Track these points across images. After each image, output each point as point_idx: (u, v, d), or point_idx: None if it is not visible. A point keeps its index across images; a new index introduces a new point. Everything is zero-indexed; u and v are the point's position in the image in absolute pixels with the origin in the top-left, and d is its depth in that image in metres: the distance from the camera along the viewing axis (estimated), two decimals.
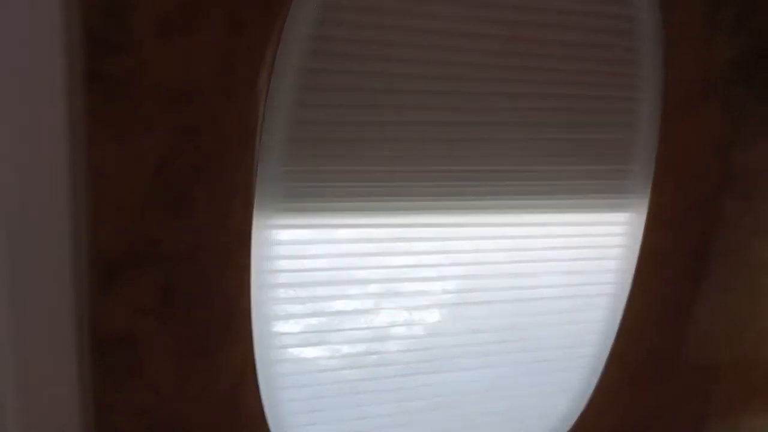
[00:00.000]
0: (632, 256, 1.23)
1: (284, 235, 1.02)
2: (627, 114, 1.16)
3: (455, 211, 1.11)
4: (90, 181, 0.83)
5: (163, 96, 0.83)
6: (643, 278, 1.23)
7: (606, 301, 1.25)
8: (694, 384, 1.33)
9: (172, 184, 0.87)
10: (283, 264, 1.04)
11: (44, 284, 0.86)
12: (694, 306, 1.26)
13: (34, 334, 0.88)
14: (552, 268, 1.20)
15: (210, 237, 0.93)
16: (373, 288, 1.11)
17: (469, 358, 1.21)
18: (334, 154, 1.01)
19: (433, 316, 1.17)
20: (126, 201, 0.86)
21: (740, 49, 1.11)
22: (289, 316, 1.08)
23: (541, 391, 1.30)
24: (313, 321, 1.09)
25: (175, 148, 0.86)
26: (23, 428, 0.90)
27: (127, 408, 0.95)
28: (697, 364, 1.32)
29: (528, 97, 1.09)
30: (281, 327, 1.08)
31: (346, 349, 1.13)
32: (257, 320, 1.05)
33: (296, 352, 1.10)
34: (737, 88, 1.15)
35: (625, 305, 1.26)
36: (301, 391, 1.12)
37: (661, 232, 1.21)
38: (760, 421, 1.48)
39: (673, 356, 1.28)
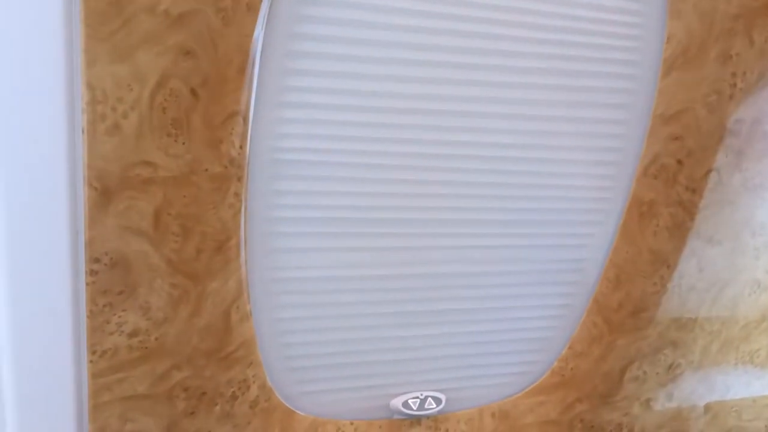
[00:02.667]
0: (620, 206, 1.25)
1: (284, 159, 1.03)
2: (626, 64, 1.17)
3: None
4: (86, 99, 0.84)
5: (161, 16, 0.83)
6: (629, 228, 1.25)
7: (589, 250, 1.28)
8: (672, 335, 1.37)
9: (169, 106, 0.87)
10: (283, 198, 1.06)
11: (38, 202, 0.87)
12: (678, 259, 1.28)
13: (26, 252, 0.90)
14: (535, 216, 1.22)
15: (205, 163, 0.94)
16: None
17: (449, 315, 1.24)
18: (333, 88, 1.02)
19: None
20: (122, 122, 0.86)
21: (743, 2, 1.10)
22: (286, 250, 1.09)
23: (524, 337, 1.33)
24: (312, 255, 1.11)
25: (172, 71, 0.86)
26: (15, 341, 0.93)
27: (119, 328, 0.97)
28: (677, 315, 1.35)
29: (524, 42, 1.09)
30: (277, 256, 1.10)
31: (343, 272, 1.15)
32: (253, 249, 1.07)
33: (293, 277, 1.12)
34: (737, 42, 1.15)
35: (609, 254, 1.28)
36: (296, 317, 1.15)
37: (650, 184, 1.23)
38: (734, 377, 1.53)
39: (653, 306, 1.31)
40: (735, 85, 1.17)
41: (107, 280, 0.94)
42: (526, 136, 1.17)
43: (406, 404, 1.26)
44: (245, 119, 0.96)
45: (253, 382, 1.12)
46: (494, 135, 1.15)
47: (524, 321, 1.31)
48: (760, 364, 1.54)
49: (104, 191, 0.89)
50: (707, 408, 1.53)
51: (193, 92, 0.88)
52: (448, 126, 1.12)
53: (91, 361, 0.98)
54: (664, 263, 1.28)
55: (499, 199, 1.19)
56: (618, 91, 1.18)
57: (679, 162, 1.21)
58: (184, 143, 0.91)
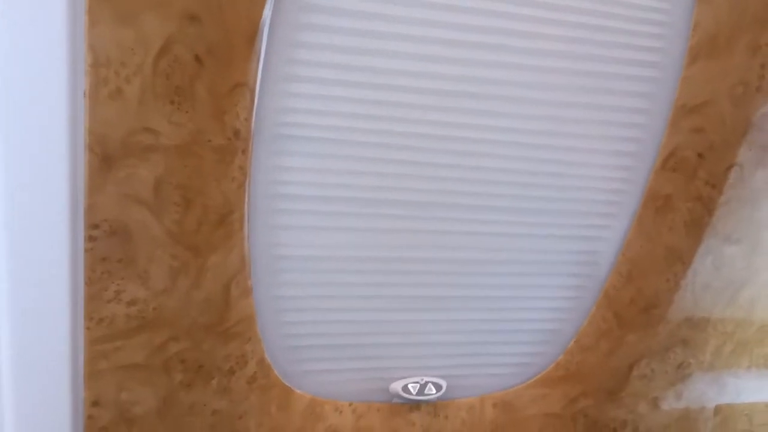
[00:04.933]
0: (636, 199, 1.21)
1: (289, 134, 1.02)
2: (650, 51, 1.12)
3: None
4: (89, 61, 0.82)
5: None
6: (645, 222, 1.22)
7: (602, 242, 1.24)
8: (684, 334, 1.33)
9: (173, 73, 0.86)
10: (288, 175, 1.04)
11: (40, 168, 0.86)
12: (694, 256, 1.24)
13: (26, 217, 0.89)
14: (546, 205, 1.19)
15: (208, 134, 0.92)
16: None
17: (453, 300, 1.22)
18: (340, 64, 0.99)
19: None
20: (125, 87, 0.85)
21: None
22: (288, 227, 1.08)
23: (530, 328, 1.30)
24: (316, 234, 1.10)
25: (177, 36, 0.84)
26: (12, 307, 0.92)
27: (117, 296, 0.97)
28: (690, 314, 1.31)
29: (545, 23, 1.05)
30: (280, 233, 1.08)
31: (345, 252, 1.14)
32: (255, 224, 1.05)
33: (296, 255, 1.11)
34: (767, 34, 1.10)
35: (623, 248, 1.25)
36: (298, 296, 1.14)
37: (669, 177, 1.19)
38: (746, 380, 1.49)
39: (665, 303, 1.27)
40: (764, 77, 1.12)
41: (106, 247, 0.93)
42: (543, 122, 1.14)
43: (405, 388, 1.24)
44: (251, 91, 0.94)
45: (252, 358, 1.11)
46: (509, 119, 1.12)
47: (531, 311, 1.29)
48: None
49: (105, 157, 0.87)
50: (717, 410, 1.50)
51: (198, 59, 0.86)
52: (460, 108, 1.09)
53: (88, 328, 0.97)
54: (678, 260, 1.25)
55: (511, 185, 1.16)
56: (640, 79, 1.14)
57: (700, 155, 1.17)
58: (187, 112, 0.90)
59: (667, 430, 1.46)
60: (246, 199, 1.01)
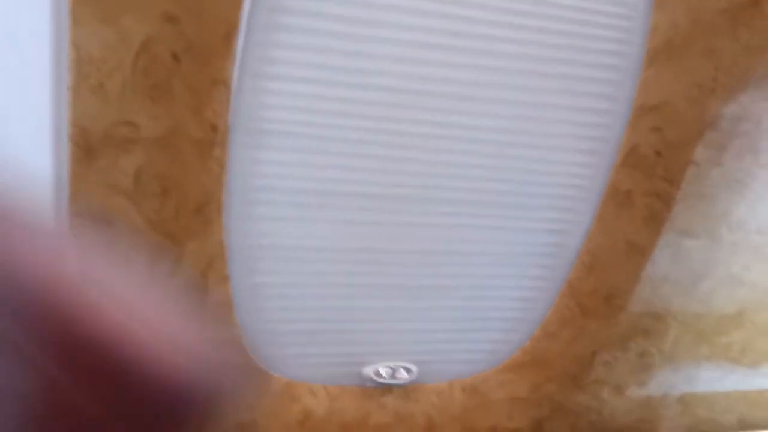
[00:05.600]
0: (597, 194, 1.27)
1: (266, 129, 1.07)
2: (610, 54, 1.18)
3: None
4: (72, 58, 0.87)
5: None
6: (606, 216, 1.28)
7: (566, 235, 1.30)
8: (644, 323, 1.39)
9: (151, 70, 0.91)
10: (265, 168, 1.10)
11: (25, 158, 0.91)
12: (653, 249, 1.30)
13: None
14: (513, 200, 1.25)
15: (186, 128, 0.98)
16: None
17: (422, 287, 1.28)
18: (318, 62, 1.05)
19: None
20: (106, 82, 0.90)
21: None
22: (263, 217, 1.13)
23: (497, 316, 1.37)
24: (292, 225, 1.15)
25: (156, 35, 0.89)
26: None
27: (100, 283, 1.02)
28: (650, 305, 1.38)
29: (509, 27, 1.11)
30: (257, 224, 1.14)
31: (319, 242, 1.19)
32: (233, 215, 1.11)
33: (273, 244, 1.16)
34: (722, 38, 1.15)
35: (585, 240, 1.31)
36: (274, 283, 1.19)
37: (629, 173, 1.25)
38: (707, 369, 1.55)
39: (626, 294, 1.34)
40: (717, 79, 1.18)
41: (90, 234, 0.98)
42: (510, 121, 1.19)
43: (377, 372, 1.30)
44: (228, 88, 1.00)
45: (229, 342, 1.16)
46: (476, 117, 1.18)
47: (498, 300, 1.35)
48: (734, 359, 1.56)
49: (87, 148, 0.93)
50: (679, 398, 1.56)
51: (176, 57, 0.92)
52: (431, 106, 1.14)
53: None
54: (638, 252, 1.31)
55: (478, 180, 1.22)
56: (600, 81, 1.20)
57: (658, 153, 1.23)
58: (165, 107, 0.95)
59: (631, 416, 1.53)
60: (223, 191, 1.07)
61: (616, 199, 1.26)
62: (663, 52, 1.16)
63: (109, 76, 0.90)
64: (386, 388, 1.33)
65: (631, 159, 1.24)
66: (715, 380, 1.58)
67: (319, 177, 1.13)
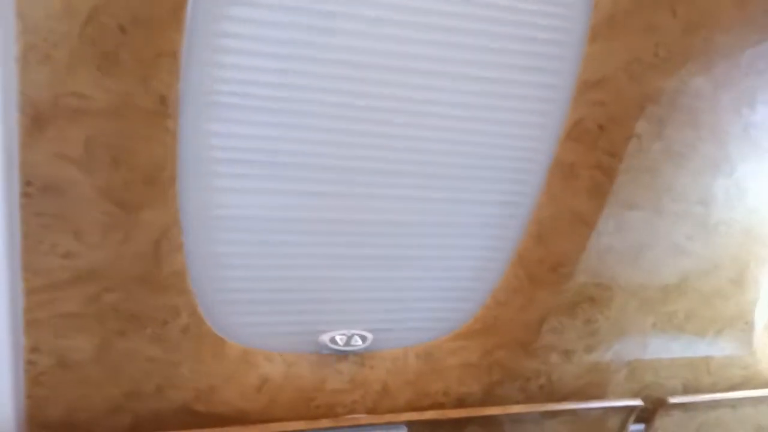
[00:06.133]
0: (544, 166, 1.31)
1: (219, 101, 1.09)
2: (554, 29, 1.22)
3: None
4: (19, 29, 0.89)
5: None
6: (552, 188, 1.32)
7: (514, 206, 1.35)
8: (590, 291, 1.45)
9: (98, 40, 0.93)
10: (218, 140, 1.12)
11: None
12: (597, 220, 1.35)
13: None
14: (465, 172, 1.29)
15: (135, 98, 0.99)
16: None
17: (377, 255, 1.32)
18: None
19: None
20: (53, 53, 0.91)
21: None
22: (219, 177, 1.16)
23: (450, 286, 1.41)
24: (246, 196, 1.18)
25: (103, 6, 0.90)
26: None
27: (52, 249, 1.04)
28: (596, 274, 1.43)
29: (454, 2, 1.13)
30: (212, 195, 1.16)
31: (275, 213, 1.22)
32: (186, 185, 1.13)
33: (227, 215, 1.19)
34: (662, 15, 1.19)
35: (533, 212, 1.36)
36: (230, 252, 1.22)
37: (573, 147, 1.29)
38: (652, 336, 1.62)
39: (572, 263, 1.39)
40: (657, 54, 1.22)
41: (40, 203, 1.00)
42: (456, 94, 1.22)
43: (333, 340, 1.34)
44: (177, 59, 1.01)
45: (184, 309, 1.19)
46: (429, 92, 1.21)
47: (450, 270, 1.39)
48: (679, 326, 1.63)
49: (36, 118, 0.94)
50: (626, 364, 1.63)
51: (122, 29, 0.93)
52: (381, 80, 1.17)
53: (26, 279, 1.05)
54: (583, 223, 1.36)
55: (432, 153, 1.25)
56: (545, 56, 1.23)
57: (601, 127, 1.27)
58: (113, 77, 0.97)
59: (579, 381, 1.59)
60: (177, 161, 1.09)
61: (562, 171, 1.31)
62: (605, 28, 1.20)
63: (55, 47, 0.91)
64: (342, 355, 1.37)
65: (575, 132, 1.28)
66: (660, 347, 1.65)
67: (273, 149, 1.15)
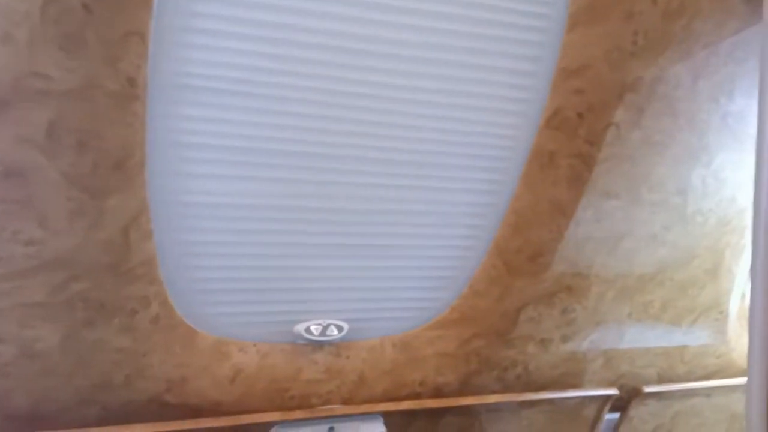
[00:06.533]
0: (523, 155, 1.30)
1: (189, 84, 1.06)
2: (534, 16, 1.20)
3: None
4: None
5: None
6: (531, 177, 1.31)
7: (492, 195, 1.34)
8: (567, 281, 1.44)
9: (61, 20, 0.89)
10: (188, 124, 1.09)
11: None
12: (576, 209, 1.34)
13: None
14: (442, 160, 1.27)
15: (101, 80, 0.96)
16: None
17: (356, 251, 1.30)
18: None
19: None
20: (14, 32, 0.87)
21: None
22: (188, 165, 1.13)
23: (427, 275, 1.40)
24: (218, 182, 1.15)
25: None
26: None
27: (15, 236, 1.01)
28: (574, 263, 1.43)
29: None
30: (182, 180, 1.13)
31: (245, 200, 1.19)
32: (156, 170, 1.10)
33: (199, 202, 1.16)
34: (642, 3, 1.18)
35: (511, 201, 1.34)
36: (202, 241, 1.19)
37: (553, 135, 1.28)
38: (629, 325, 1.62)
39: (550, 252, 1.38)
40: (636, 42, 1.21)
41: (2, 188, 0.96)
42: (437, 82, 1.20)
43: (308, 330, 1.32)
44: (145, 40, 0.98)
45: (155, 299, 1.16)
46: (406, 78, 1.18)
47: (428, 259, 1.38)
48: (655, 315, 1.64)
49: None
50: (602, 353, 1.63)
51: (86, 7, 0.89)
52: (357, 65, 1.14)
53: None
54: (561, 212, 1.35)
55: (406, 140, 1.23)
56: (525, 43, 1.22)
57: (580, 115, 1.26)
58: (78, 58, 0.93)
59: (556, 370, 1.59)
60: (145, 146, 1.05)
61: (541, 160, 1.30)
62: (585, 15, 1.18)
63: (17, 26, 0.87)
64: (318, 345, 1.35)
65: (554, 121, 1.26)
66: (636, 336, 1.66)
67: (245, 134, 1.12)
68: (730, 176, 1.49)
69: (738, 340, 1.80)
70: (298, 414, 1.32)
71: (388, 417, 1.40)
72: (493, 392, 1.51)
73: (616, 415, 1.74)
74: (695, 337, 1.74)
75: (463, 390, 1.47)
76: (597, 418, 1.67)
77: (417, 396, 1.43)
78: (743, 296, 1.74)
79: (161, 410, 1.23)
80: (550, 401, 1.59)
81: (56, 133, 0.96)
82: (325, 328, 1.34)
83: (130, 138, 1.02)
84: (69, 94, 0.95)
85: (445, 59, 1.19)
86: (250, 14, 1.04)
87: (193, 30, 1.02)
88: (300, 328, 1.33)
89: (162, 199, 1.12)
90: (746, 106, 1.41)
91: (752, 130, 1.44)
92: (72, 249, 1.05)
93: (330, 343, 1.36)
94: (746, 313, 1.76)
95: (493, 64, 1.22)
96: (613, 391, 1.63)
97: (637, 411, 1.72)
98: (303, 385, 1.34)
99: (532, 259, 1.39)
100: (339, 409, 1.36)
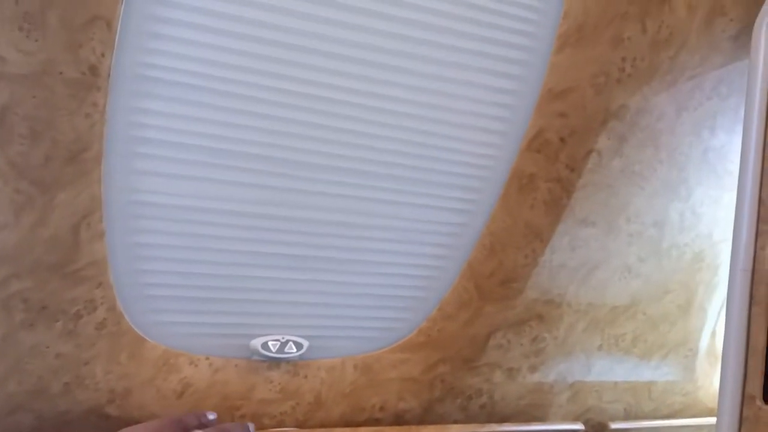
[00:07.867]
0: (501, 176, 1.26)
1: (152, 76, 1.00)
2: (521, 34, 1.17)
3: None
4: None
5: None
6: (508, 199, 1.27)
7: (468, 215, 1.29)
8: (539, 309, 1.40)
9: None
10: (149, 118, 1.02)
11: None
12: (552, 234, 1.31)
13: None
14: (417, 174, 1.22)
15: (60, 66, 0.89)
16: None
17: (329, 263, 1.24)
18: None
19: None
20: None
21: None
22: (146, 159, 1.06)
23: (394, 294, 1.34)
24: (177, 182, 1.08)
25: None
26: None
27: None
28: (546, 290, 1.39)
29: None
30: (139, 178, 1.06)
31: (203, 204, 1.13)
32: (112, 166, 1.03)
33: (156, 203, 1.09)
34: (631, 29, 1.16)
35: (487, 223, 1.30)
36: (156, 244, 1.12)
37: (533, 157, 1.24)
38: (598, 358, 1.59)
39: (523, 278, 1.34)
40: (624, 69, 1.19)
41: None
42: (415, 93, 1.16)
43: (265, 346, 1.26)
44: (111, 27, 0.92)
45: (101, 303, 1.09)
46: (384, 87, 1.14)
47: (396, 278, 1.32)
48: (625, 349, 1.61)
49: None
50: (569, 386, 1.59)
51: None
52: (334, 69, 1.09)
53: None
54: (537, 237, 1.31)
55: (379, 151, 1.18)
56: (510, 61, 1.18)
57: (562, 139, 1.23)
58: (37, 40, 0.87)
59: (521, 401, 1.54)
60: (103, 140, 0.99)
61: (520, 182, 1.26)
62: (573, 37, 1.15)
63: None
64: (274, 363, 1.29)
65: (536, 143, 1.23)
66: (605, 369, 1.62)
67: (208, 133, 1.06)
68: (707, 212, 1.47)
69: (705, 379, 1.78)
70: None
71: None
72: (456, 422, 1.45)
73: None
74: (663, 373, 1.71)
75: (425, 418, 1.41)
76: None
77: (376, 422, 1.37)
78: (713, 334, 1.72)
79: (101, 422, 1.15)
80: None
81: (8, 120, 0.89)
82: (284, 344, 1.27)
83: (87, 130, 0.96)
84: (25, 79, 0.88)
85: (424, 70, 1.15)
86: (225, 8, 0.99)
87: (160, 19, 0.96)
88: (257, 343, 1.26)
89: (116, 197, 1.05)
90: (727, 142, 1.39)
91: (732, 166, 1.42)
92: (15, 245, 0.97)
93: (288, 360, 1.29)
94: (715, 351, 1.74)
95: (475, 80, 1.19)
96: (578, 426, 1.58)
97: None
98: (255, 404, 1.27)
99: (504, 284, 1.34)
100: (292, 431, 1.29)
